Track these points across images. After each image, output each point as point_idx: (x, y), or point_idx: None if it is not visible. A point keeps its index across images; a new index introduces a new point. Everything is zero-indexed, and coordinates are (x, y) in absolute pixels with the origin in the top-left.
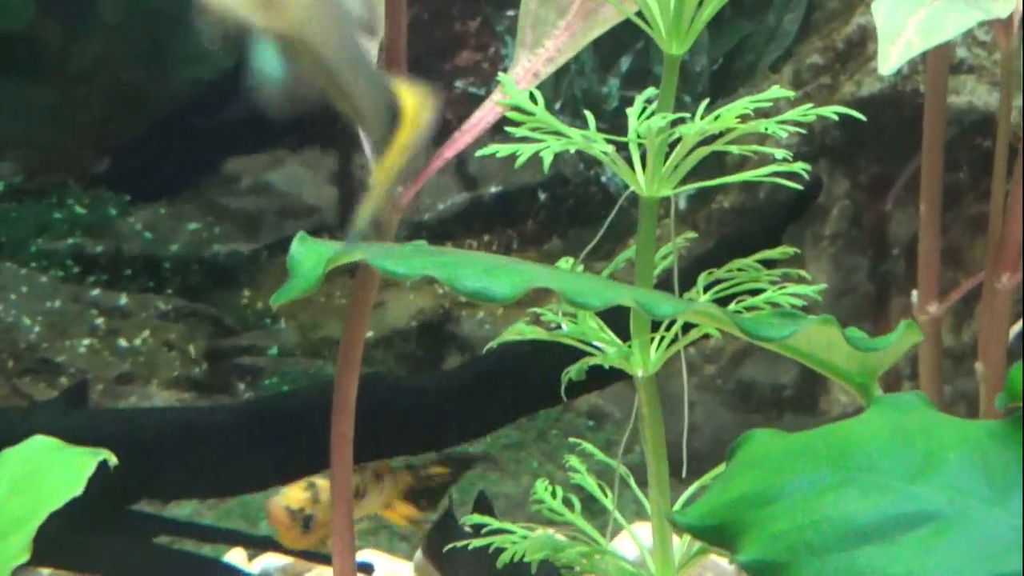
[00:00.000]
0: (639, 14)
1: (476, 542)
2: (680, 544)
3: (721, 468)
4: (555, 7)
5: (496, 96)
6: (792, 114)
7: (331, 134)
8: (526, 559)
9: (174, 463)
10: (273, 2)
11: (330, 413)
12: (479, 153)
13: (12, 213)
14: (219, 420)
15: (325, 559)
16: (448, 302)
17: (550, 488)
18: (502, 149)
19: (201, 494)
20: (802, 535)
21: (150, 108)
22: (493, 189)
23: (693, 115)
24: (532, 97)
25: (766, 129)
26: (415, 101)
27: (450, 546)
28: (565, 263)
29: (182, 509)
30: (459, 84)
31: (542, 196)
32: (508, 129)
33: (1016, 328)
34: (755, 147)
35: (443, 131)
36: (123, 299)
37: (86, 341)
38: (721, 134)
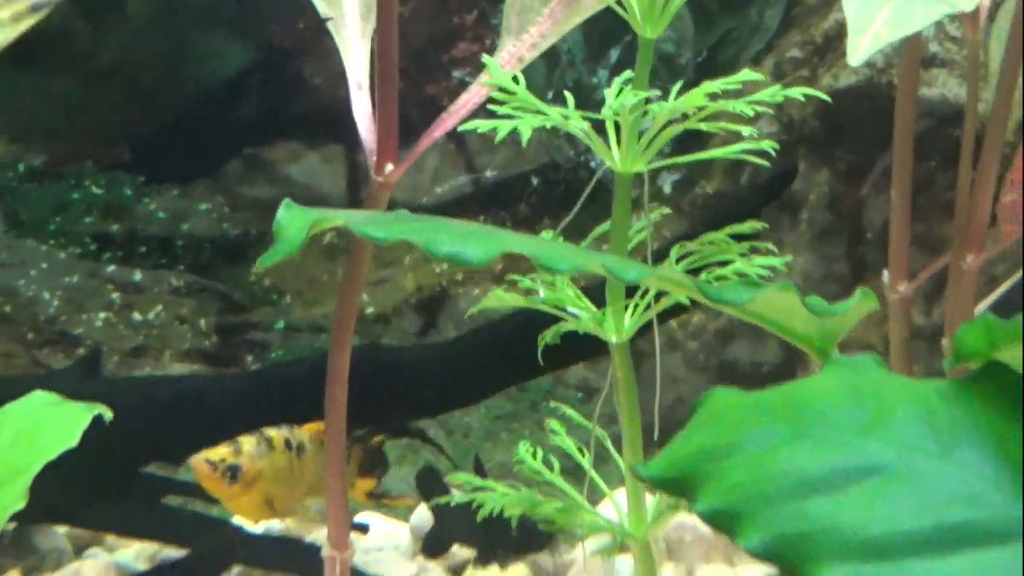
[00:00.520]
0: (618, 1)
1: (460, 497)
2: (653, 501)
3: None
4: None
5: (482, 78)
6: (762, 94)
7: (339, 129)
8: (506, 514)
9: (184, 428)
10: None
11: None
12: (461, 128)
13: (33, 193)
14: (228, 387)
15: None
16: (446, 280)
17: (531, 450)
18: (482, 124)
19: None
20: (756, 486)
21: (170, 101)
22: (489, 174)
23: (669, 98)
24: (515, 79)
25: (735, 108)
26: None
27: (434, 501)
28: (546, 235)
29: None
30: (456, 74)
31: (535, 181)
32: (491, 107)
33: (981, 307)
34: (723, 124)
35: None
36: (137, 275)
37: (102, 315)
38: (695, 115)
